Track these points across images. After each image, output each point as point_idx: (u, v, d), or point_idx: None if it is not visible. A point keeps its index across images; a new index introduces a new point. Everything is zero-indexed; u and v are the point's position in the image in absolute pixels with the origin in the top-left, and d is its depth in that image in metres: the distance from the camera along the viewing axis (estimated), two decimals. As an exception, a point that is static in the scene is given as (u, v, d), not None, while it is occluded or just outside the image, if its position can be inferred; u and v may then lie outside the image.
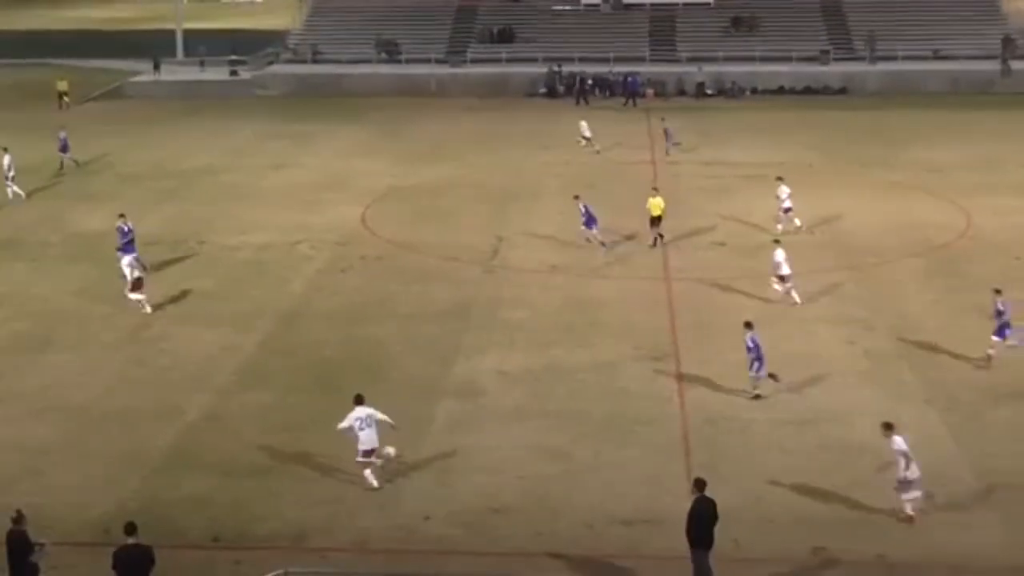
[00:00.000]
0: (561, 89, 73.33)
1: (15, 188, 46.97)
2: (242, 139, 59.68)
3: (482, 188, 47.53)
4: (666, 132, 54.20)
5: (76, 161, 52.76)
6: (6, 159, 47.16)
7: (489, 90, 71.81)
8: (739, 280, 36.02)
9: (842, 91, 72.57)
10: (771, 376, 27.41)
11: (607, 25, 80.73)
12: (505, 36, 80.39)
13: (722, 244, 40.00)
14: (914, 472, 21.15)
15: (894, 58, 75.33)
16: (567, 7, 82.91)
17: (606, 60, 74.90)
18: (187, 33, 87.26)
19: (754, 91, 72.76)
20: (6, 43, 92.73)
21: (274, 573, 19.21)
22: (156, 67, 79.44)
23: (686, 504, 22.47)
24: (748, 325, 27.76)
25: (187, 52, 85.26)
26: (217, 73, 79.69)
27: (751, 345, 27.32)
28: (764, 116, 63.37)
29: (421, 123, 63.41)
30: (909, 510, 21.40)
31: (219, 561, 21.08)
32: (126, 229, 36.85)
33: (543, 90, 73.37)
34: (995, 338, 28.91)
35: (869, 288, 35.35)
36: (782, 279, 33.78)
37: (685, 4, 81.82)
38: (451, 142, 57.87)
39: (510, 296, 35.03)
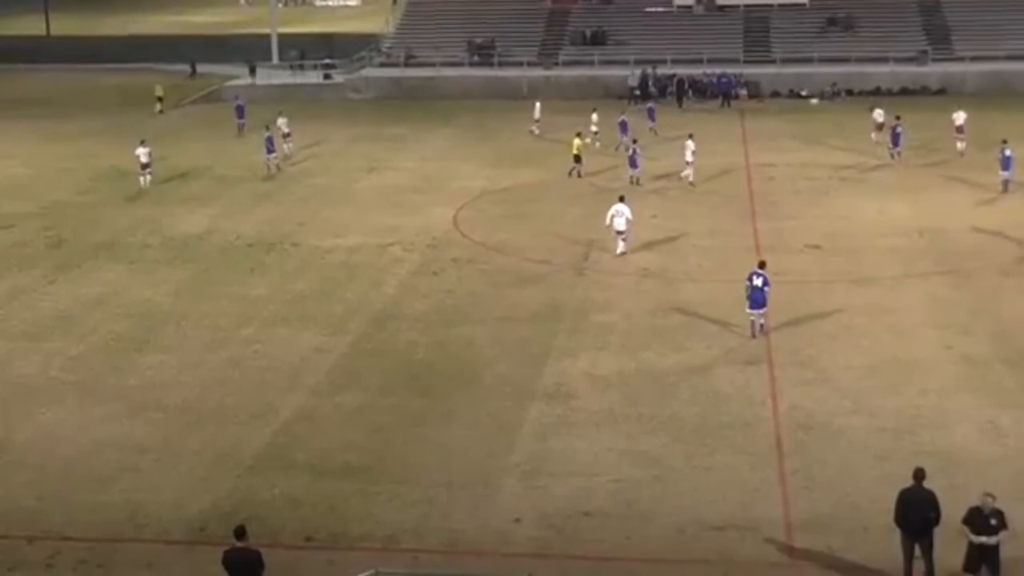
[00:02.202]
0: (654, 91, 73.05)
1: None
2: (335, 142, 60.21)
3: (574, 191, 47.40)
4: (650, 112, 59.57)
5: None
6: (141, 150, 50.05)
7: (581, 92, 71.60)
8: (834, 283, 35.62)
9: (940, 92, 71.45)
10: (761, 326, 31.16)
11: (700, 26, 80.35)
12: (597, 38, 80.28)
13: (817, 247, 39.54)
14: None
15: (994, 58, 74.02)
16: (660, 9, 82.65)
17: (699, 61, 74.52)
18: (282, 37, 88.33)
19: (850, 93, 71.88)
20: (108, 47, 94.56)
21: (365, 573, 19.29)
22: (252, 71, 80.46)
23: (778, 510, 22.32)
24: (762, 264, 31.72)
25: (282, 56, 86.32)
26: (311, 77, 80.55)
27: (747, 283, 31.19)
28: (860, 118, 62.48)
29: (513, 126, 63.48)
30: None
31: (311, 561, 21.21)
32: None
33: (636, 92, 73.13)
34: None
35: (969, 292, 34.71)
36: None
37: (780, 5, 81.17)
38: (543, 145, 57.85)
39: (601, 299, 34.91)
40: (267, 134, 53.33)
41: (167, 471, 24.69)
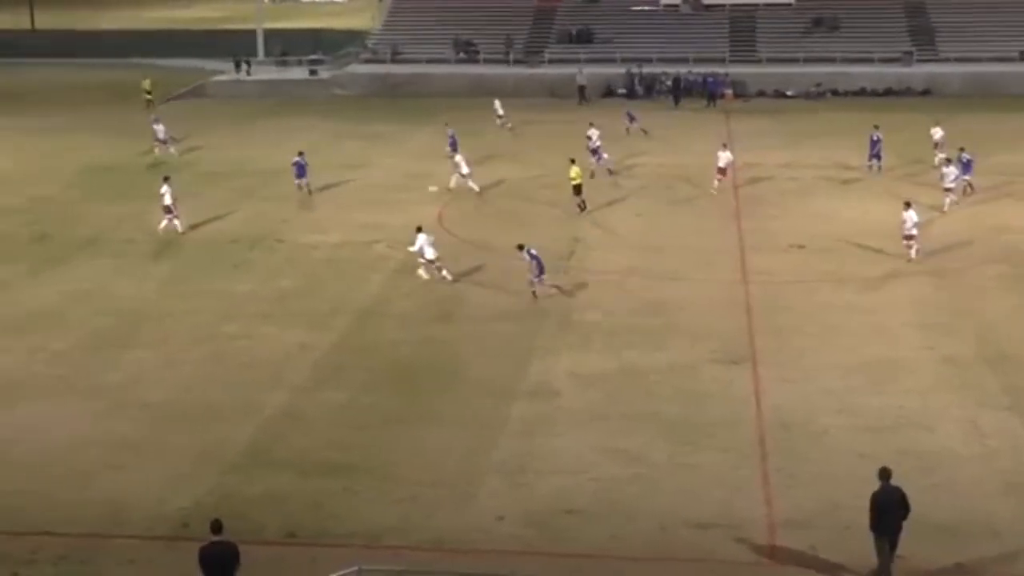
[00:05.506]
0: (640, 90, 73.07)
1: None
2: (319, 139, 59.99)
3: (557, 189, 47.35)
4: (629, 116, 58.99)
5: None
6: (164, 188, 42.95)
7: (567, 91, 71.52)
8: (818, 283, 35.71)
9: (925, 93, 71.59)
10: (556, 287, 34.02)
11: (686, 25, 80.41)
12: (583, 37, 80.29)
13: (802, 247, 39.62)
14: None
15: (978, 60, 74.26)
16: (646, 7, 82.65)
17: (685, 60, 74.54)
18: (269, 33, 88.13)
19: (835, 93, 71.98)
20: (93, 43, 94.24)
21: (349, 570, 19.29)
22: (238, 66, 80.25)
23: (761, 508, 22.40)
24: (520, 247, 34.18)
25: (268, 52, 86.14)
26: (297, 73, 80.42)
27: (528, 258, 33.91)
28: (844, 118, 62.61)
29: (498, 123, 63.45)
30: None
31: (294, 557, 21.21)
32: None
33: (622, 91, 73.14)
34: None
35: (951, 293, 34.83)
36: (909, 238, 37.33)
37: (766, 4, 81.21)
38: (527, 143, 57.82)
39: (585, 298, 34.93)
40: (295, 159, 48.28)
41: (149, 468, 24.65)
